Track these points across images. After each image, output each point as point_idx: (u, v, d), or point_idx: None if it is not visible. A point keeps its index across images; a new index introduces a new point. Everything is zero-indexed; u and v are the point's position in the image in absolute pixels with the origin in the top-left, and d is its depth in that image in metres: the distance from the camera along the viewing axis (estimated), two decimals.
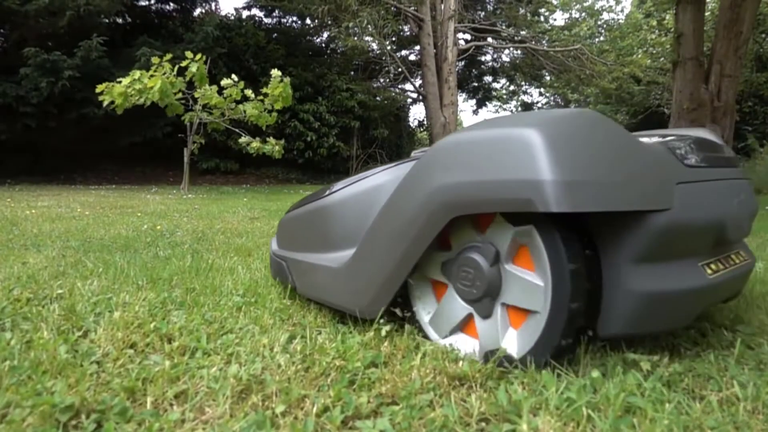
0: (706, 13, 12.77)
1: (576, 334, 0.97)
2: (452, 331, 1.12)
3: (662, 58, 17.43)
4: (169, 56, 6.92)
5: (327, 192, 1.41)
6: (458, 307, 1.11)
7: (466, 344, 1.09)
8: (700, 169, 1.07)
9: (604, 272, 0.98)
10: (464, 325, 1.11)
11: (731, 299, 1.31)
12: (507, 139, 0.94)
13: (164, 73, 6.79)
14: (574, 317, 0.93)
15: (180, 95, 7.15)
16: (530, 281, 0.98)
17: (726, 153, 1.26)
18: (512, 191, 0.91)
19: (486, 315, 1.06)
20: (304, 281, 1.42)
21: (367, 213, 1.23)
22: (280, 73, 7.52)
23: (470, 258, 1.05)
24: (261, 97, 7.69)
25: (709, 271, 1.05)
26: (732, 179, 1.17)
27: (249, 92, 7.57)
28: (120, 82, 6.82)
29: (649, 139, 1.08)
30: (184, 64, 7.08)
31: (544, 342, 0.95)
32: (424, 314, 1.18)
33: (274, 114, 7.86)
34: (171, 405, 0.85)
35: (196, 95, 7.24)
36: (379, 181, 1.25)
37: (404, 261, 1.10)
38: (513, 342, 1.01)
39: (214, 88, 7.35)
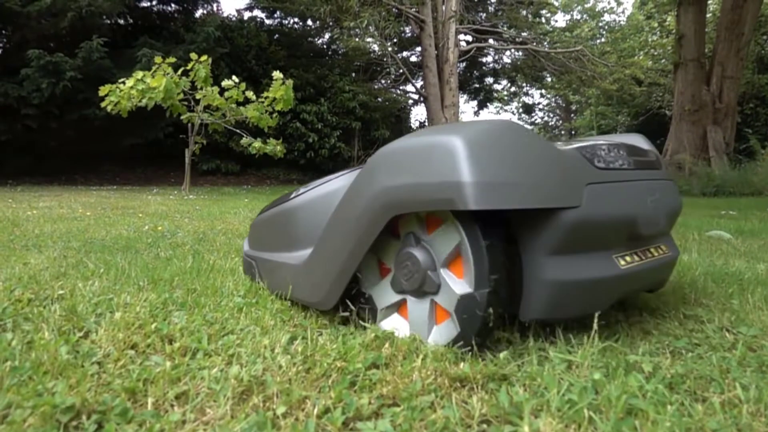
0: (708, 15, 12.76)
1: (490, 332, 1.07)
2: (389, 308, 1.25)
3: (663, 60, 17.43)
4: (172, 59, 6.92)
5: (292, 196, 1.54)
6: (391, 292, 1.23)
7: (398, 323, 1.22)
8: (611, 171, 1.18)
9: (524, 264, 1.09)
10: (399, 307, 1.24)
11: (655, 289, 1.43)
12: (434, 146, 1.06)
13: (167, 74, 6.78)
14: (488, 322, 1.02)
15: (182, 96, 7.15)
16: (456, 288, 1.08)
17: (649, 157, 1.38)
18: (438, 192, 1.02)
19: (416, 305, 1.18)
20: (271, 279, 1.55)
21: (324, 215, 1.34)
22: (281, 75, 7.52)
23: (411, 254, 1.16)
24: (262, 99, 7.69)
25: (622, 263, 1.16)
26: (647, 180, 1.28)
27: (250, 93, 7.57)
28: (123, 83, 6.82)
29: (565, 145, 1.18)
30: (189, 65, 7.08)
31: (458, 339, 1.07)
32: (368, 288, 1.29)
33: (276, 116, 7.87)
34: (172, 406, 0.85)
35: (198, 96, 7.24)
36: (335, 186, 1.37)
37: (352, 257, 1.21)
38: (438, 333, 1.13)
39: (216, 89, 7.36)
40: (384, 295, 1.25)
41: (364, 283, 1.28)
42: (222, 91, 7.50)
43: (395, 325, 1.22)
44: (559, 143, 1.21)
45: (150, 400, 0.85)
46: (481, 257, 1.02)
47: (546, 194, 1.03)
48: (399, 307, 1.23)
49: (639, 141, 1.48)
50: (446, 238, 1.11)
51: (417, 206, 1.09)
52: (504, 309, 1.09)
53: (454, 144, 1.02)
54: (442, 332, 1.11)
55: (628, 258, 1.19)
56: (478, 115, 22.72)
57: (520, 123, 1.10)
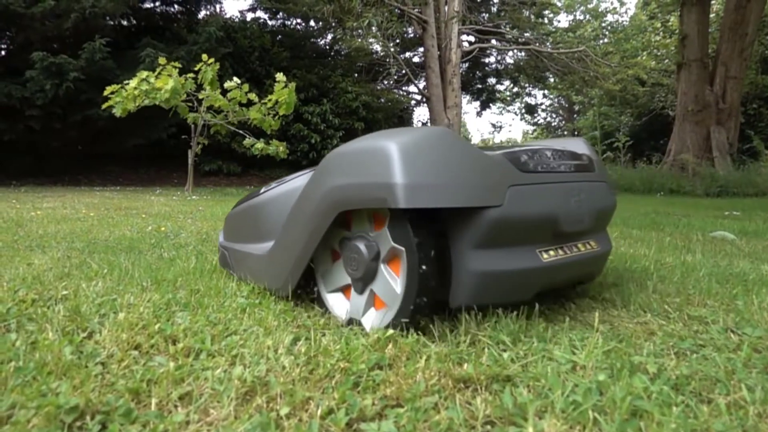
0: (711, 15, 12.73)
1: (427, 307, 1.19)
2: (335, 290, 1.39)
3: (667, 60, 17.39)
4: (177, 64, 6.92)
5: (262, 191, 1.69)
6: (342, 275, 1.36)
7: (341, 303, 1.37)
8: (534, 174, 1.29)
9: (453, 256, 1.21)
10: (345, 289, 1.38)
11: (586, 281, 1.57)
12: (373, 151, 1.18)
13: (170, 75, 6.79)
14: (421, 307, 1.17)
15: (185, 96, 7.17)
16: (393, 285, 1.21)
17: (581, 160, 1.49)
18: (375, 192, 1.15)
19: (359, 291, 1.31)
20: (240, 268, 1.70)
21: (286, 210, 1.47)
22: (284, 78, 7.51)
23: (358, 247, 1.28)
24: (265, 101, 7.69)
25: (545, 256, 1.28)
26: (572, 182, 1.38)
27: (253, 96, 7.57)
28: (128, 83, 6.82)
29: (494, 151, 1.29)
30: (197, 67, 7.08)
31: (390, 324, 1.20)
32: (335, 302, 1.41)
33: (279, 118, 7.87)
34: (175, 406, 0.85)
35: (201, 96, 7.25)
36: (297, 183, 1.49)
37: (307, 248, 1.35)
38: (370, 318, 1.27)
39: (218, 91, 7.36)
40: (333, 277, 1.40)
41: (317, 266, 1.43)
42: (225, 92, 7.51)
43: (339, 304, 1.37)
44: (489, 149, 1.34)
45: (154, 401, 0.86)
46: (412, 251, 1.15)
47: (470, 195, 1.14)
48: (345, 289, 1.38)
49: (577, 145, 1.62)
50: (389, 237, 1.22)
51: (358, 204, 1.21)
52: (435, 296, 1.20)
53: (389, 149, 1.14)
54: (378, 317, 1.25)
55: (552, 252, 1.31)
56: (480, 116, 22.66)
57: (452, 131, 1.23)
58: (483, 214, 1.16)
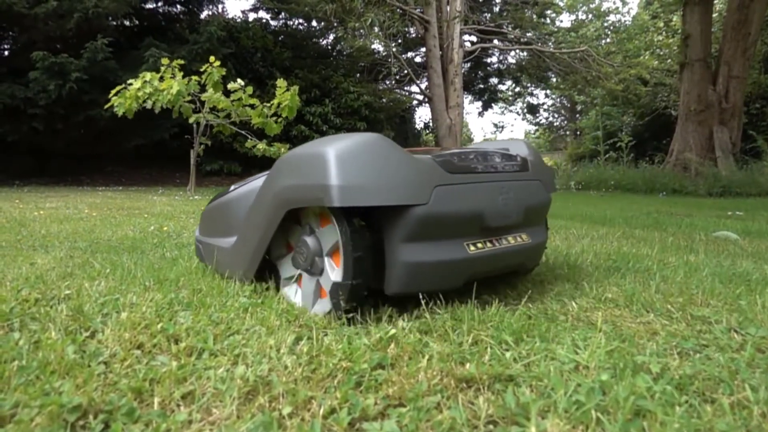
0: (714, 15, 12.69)
1: (361, 294, 1.32)
2: (290, 278, 1.55)
3: (669, 60, 17.34)
4: (181, 61, 6.92)
5: (230, 189, 1.84)
6: (289, 266, 1.54)
7: (295, 292, 1.52)
8: (462, 175, 1.41)
9: (386, 249, 1.34)
10: (298, 279, 1.53)
11: (522, 271, 1.74)
12: (313, 156, 1.32)
13: (173, 76, 6.79)
14: (357, 290, 1.29)
15: (189, 98, 7.17)
16: (332, 275, 1.36)
17: (514, 161, 1.61)
18: (314, 192, 1.29)
19: (308, 280, 1.46)
20: (210, 260, 1.86)
21: (247, 208, 1.63)
22: (285, 84, 7.49)
23: (306, 242, 1.44)
24: (268, 105, 7.68)
25: (472, 248, 1.41)
26: (500, 181, 1.49)
27: (255, 101, 7.55)
28: (131, 84, 6.83)
29: (425, 155, 1.41)
30: (203, 68, 7.09)
31: (332, 312, 1.33)
32: (290, 290, 1.56)
33: (281, 121, 7.87)
34: (178, 406, 0.85)
35: (204, 98, 7.26)
36: (257, 184, 1.61)
37: (262, 241, 1.51)
38: (318, 307, 1.40)
39: (221, 92, 7.36)
40: (287, 267, 1.55)
41: (273, 258, 1.59)
42: (227, 93, 7.51)
43: (292, 292, 1.52)
44: (421, 153, 1.44)
45: (156, 400, 0.86)
46: (347, 241, 1.29)
47: (398, 194, 1.27)
48: (297, 279, 1.53)
49: (518, 147, 1.75)
50: (332, 233, 1.36)
51: (302, 203, 1.36)
52: (371, 285, 1.35)
53: (327, 154, 1.28)
54: (323, 305, 1.38)
55: (479, 245, 1.43)
56: (482, 116, 22.69)
57: (385, 138, 1.34)
58: (410, 212, 1.29)
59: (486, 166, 1.51)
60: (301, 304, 1.44)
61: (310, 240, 1.43)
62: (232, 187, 1.84)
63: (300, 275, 1.51)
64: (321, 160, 1.29)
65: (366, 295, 1.35)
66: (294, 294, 1.52)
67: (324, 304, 1.38)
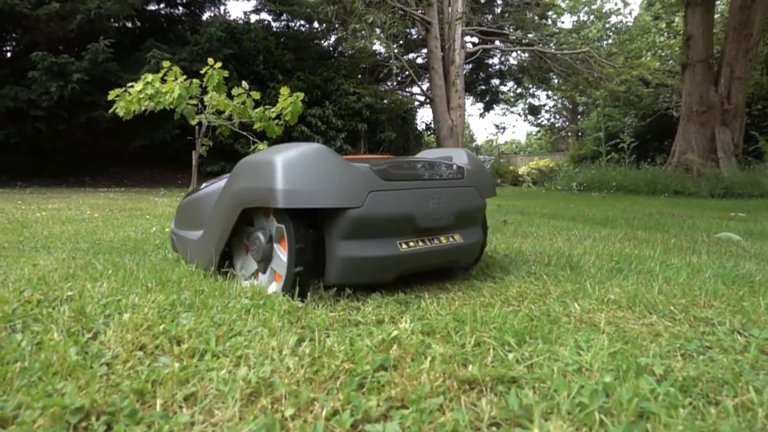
0: (716, 16, 12.67)
1: (303, 283, 1.51)
2: (251, 277, 1.73)
3: (671, 61, 17.32)
4: (177, 70, 6.93)
5: (202, 187, 2.03)
6: (252, 263, 1.72)
7: (255, 283, 1.67)
8: (396, 182, 1.58)
9: (326, 245, 1.53)
10: (256, 274, 1.71)
11: (458, 267, 1.91)
12: (264, 162, 1.52)
13: (176, 79, 6.80)
14: (299, 276, 1.49)
15: (194, 101, 7.18)
16: (283, 257, 1.54)
17: (449, 170, 1.79)
18: (263, 194, 1.49)
19: (263, 271, 1.65)
20: (183, 251, 2.07)
21: (212, 205, 1.83)
22: (288, 91, 7.50)
23: (257, 236, 1.63)
24: (269, 108, 7.69)
25: (404, 246, 1.58)
26: (432, 188, 1.67)
27: (260, 109, 7.55)
28: (132, 86, 6.84)
29: (363, 164, 1.57)
30: (203, 70, 7.10)
31: (284, 289, 1.52)
32: (238, 265, 1.81)
33: (282, 124, 7.88)
34: (180, 407, 0.85)
35: (206, 101, 7.27)
36: (222, 183, 1.81)
37: (223, 235, 1.72)
38: (273, 287, 1.60)
39: (224, 94, 7.36)
40: (247, 265, 1.76)
41: (235, 259, 1.81)
42: (230, 95, 7.51)
43: (253, 284, 1.67)
44: (360, 162, 1.61)
45: (159, 402, 0.86)
46: (290, 238, 1.49)
47: (335, 198, 1.45)
48: (255, 274, 1.72)
49: (457, 156, 1.96)
50: (273, 219, 1.58)
51: (254, 203, 1.55)
52: (313, 275, 1.56)
53: (274, 162, 1.47)
54: (277, 287, 1.58)
55: (411, 243, 1.61)
56: (483, 117, 22.75)
57: (327, 149, 1.53)
58: (346, 213, 1.48)
59: (419, 174, 1.69)
60: (275, 289, 1.61)
61: (260, 234, 1.63)
62: (203, 185, 2.04)
63: (256, 271, 1.71)
64: (269, 167, 1.49)
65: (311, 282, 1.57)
66: (249, 277, 1.75)
67: (277, 287, 1.58)
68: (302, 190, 1.44)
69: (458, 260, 1.82)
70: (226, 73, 7.18)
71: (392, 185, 1.57)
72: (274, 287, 1.60)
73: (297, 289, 1.49)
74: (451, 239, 1.73)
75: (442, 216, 1.68)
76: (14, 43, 11.28)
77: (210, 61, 7.03)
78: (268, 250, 1.61)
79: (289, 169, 1.46)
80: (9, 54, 11.30)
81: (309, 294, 1.53)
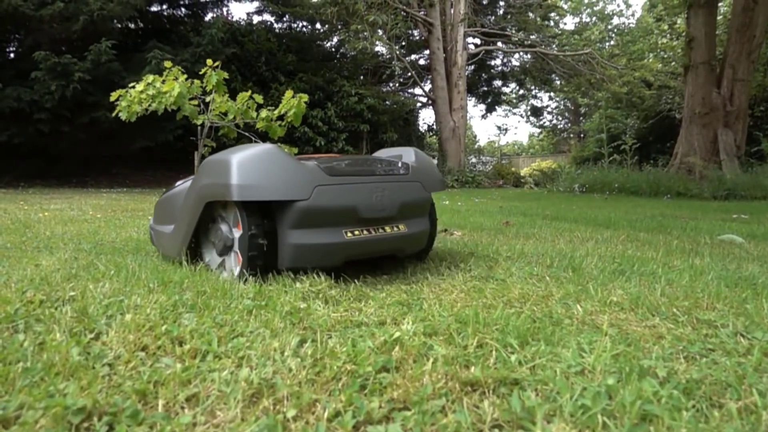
0: (718, 17, 12.65)
1: (258, 265, 1.72)
2: (219, 267, 1.91)
3: (674, 63, 17.31)
4: (179, 70, 6.95)
5: (176, 184, 2.21)
6: (216, 257, 1.93)
7: (221, 273, 1.85)
8: (341, 177, 1.76)
9: (278, 234, 1.72)
10: (224, 263, 1.89)
11: (399, 254, 2.02)
12: (222, 161, 1.74)
13: (176, 78, 6.81)
14: (254, 259, 1.70)
15: (196, 102, 7.19)
16: (237, 235, 1.77)
17: (393, 166, 1.97)
18: (220, 189, 1.70)
19: (229, 258, 1.85)
20: (159, 243, 2.27)
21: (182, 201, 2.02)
22: (291, 93, 7.53)
23: (219, 227, 1.87)
24: (272, 109, 7.70)
25: (348, 235, 1.75)
26: (375, 183, 1.83)
27: (263, 113, 7.56)
28: (133, 87, 6.86)
29: (311, 162, 1.77)
30: (203, 71, 7.12)
31: (244, 270, 1.72)
32: (207, 258, 2.00)
33: (285, 125, 7.89)
34: (182, 408, 0.85)
35: (207, 100, 7.27)
36: (191, 182, 2.00)
37: (189, 228, 1.91)
38: (236, 268, 1.79)
39: (226, 95, 7.37)
40: (214, 257, 1.95)
41: (204, 253, 2.02)
42: (233, 95, 7.52)
43: (223, 275, 1.83)
44: (309, 161, 1.80)
45: (161, 402, 0.85)
46: (245, 226, 1.69)
47: (284, 191, 1.65)
48: (222, 264, 1.89)
49: (406, 155, 2.13)
50: (234, 213, 1.79)
51: (214, 197, 1.76)
52: (267, 261, 1.73)
53: (230, 161, 1.69)
54: (240, 268, 1.76)
55: (356, 232, 1.77)
56: (486, 118, 22.78)
57: (278, 149, 1.74)
58: (294, 205, 1.66)
59: (364, 170, 1.87)
60: (229, 275, 1.80)
61: (222, 226, 1.86)
62: (177, 183, 2.22)
63: (223, 261, 1.90)
64: (226, 165, 1.69)
65: (265, 267, 1.75)
66: (217, 267, 1.94)
67: (239, 268, 1.77)
68: (254, 185, 1.64)
69: (404, 248, 1.97)
70: (225, 74, 7.19)
71: (337, 180, 1.75)
72: (237, 269, 1.78)
73: (256, 270, 1.72)
74: (396, 229, 1.89)
75: (386, 207, 1.84)
76: (17, 44, 11.31)
77: (209, 62, 7.04)
78: (229, 239, 1.82)
79: (242, 166, 1.66)
80: (12, 55, 11.32)
81: (268, 276, 1.75)
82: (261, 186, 1.64)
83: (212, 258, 1.97)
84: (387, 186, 1.86)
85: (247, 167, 1.66)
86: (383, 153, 2.27)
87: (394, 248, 1.94)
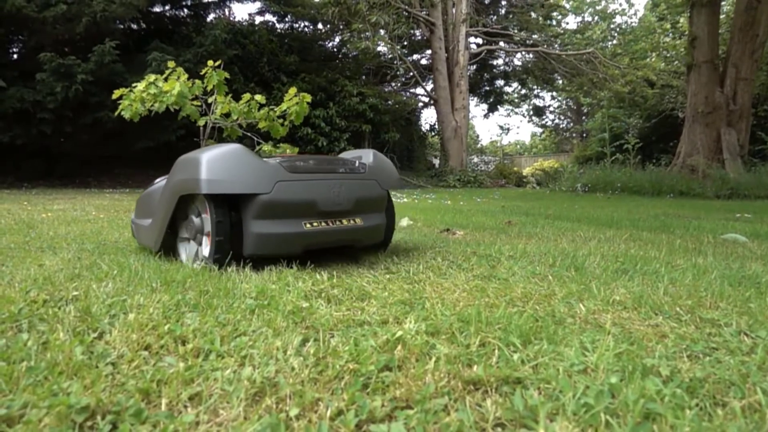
0: (721, 16, 12.62)
1: (226, 251, 1.91)
2: (194, 256, 2.07)
3: (676, 62, 17.26)
4: (181, 70, 6.97)
5: (155, 182, 2.39)
6: (192, 246, 2.11)
7: (193, 261, 2.03)
8: (300, 173, 1.95)
9: (243, 224, 1.91)
10: (197, 254, 2.06)
11: (357, 245, 2.22)
12: (193, 159, 1.94)
13: (178, 78, 6.82)
14: (221, 244, 1.89)
15: (198, 103, 7.19)
16: (206, 226, 1.98)
17: (352, 165, 2.15)
18: (191, 184, 1.90)
19: (200, 243, 2.05)
20: (138, 235, 2.46)
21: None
22: (294, 91, 7.54)
23: (191, 218, 2.07)
24: (274, 108, 7.71)
25: (307, 226, 1.94)
26: (333, 180, 2.02)
27: (263, 111, 7.57)
28: (135, 86, 6.87)
29: (274, 160, 1.95)
30: (203, 71, 7.12)
31: (214, 253, 1.91)
32: (182, 251, 2.18)
33: (287, 124, 7.89)
34: (185, 407, 0.85)
35: (210, 100, 7.28)
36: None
37: (165, 220, 2.11)
38: (207, 249, 1.97)
39: (229, 97, 7.38)
40: (188, 249, 2.14)
41: (180, 248, 2.19)
42: (235, 96, 7.53)
43: (192, 262, 2.02)
44: (271, 159, 1.99)
45: (164, 401, 0.86)
46: (212, 215, 1.89)
47: (247, 186, 1.84)
48: (197, 253, 2.07)
49: (365, 155, 2.31)
50: (203, 203, 1.97)
51: (186, 191, 1.96)
52: (232, 248, 1.92)
53: (200, 158, 1.89)
54: (209, 249, 1.93)
55: (315, 224, 1.96)
56: (488, 118, 22.78)
57: (243, 148, 1.92)
58: (257, 198, 1.85)
59: (323, 168, 2.05)
60: (204, 260, 1.98)
61: (194, 218, 2.05)
62: (155, 181, 2.40)
63: (197, 252, 2.08)
64: (196, 162, 1.89)
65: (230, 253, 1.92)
66: (193, 261, 2.08)
67: (209, 249, 1.95)
68: (221, 180, 1.83)
69: (361, 239, 2.17)
70: (226, 74, 7.19)
71: (297, 177, 1.93)
72: (207, 249, 1.97)
73: (221, 255, 1.91)
74: (352, 222, 2.08)
75: (342, 202, 2.03)
76: (21, 45, 11.34)
77: (210, 62, 7.05)
78: (200, 226, 2.02)
79: (211, 164, 1.86)
80: (15, 56, 11.36)
81: (233, 263, 1.91)
82: (227, 180, 1.83)
83: (189, 251, 2.13)
84: (344, 183, 2.05)
85: (215, 164, 1.86)
86: (347, 155, 2.41)
87: (351, 239, 2.13)
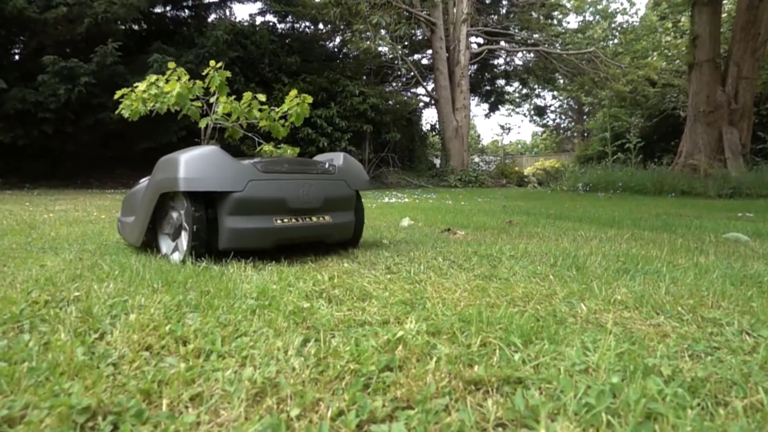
0: (723, 15, 12.59)
1: (202, 246, 2.07)
2: (172, 251, 2.22)
3: (678, 61, 17.24)
4: (182, 71, 7.00)
5: (140, 181, 2.51)
6: (170, 242, 2.25)
7: (176, 256, 2.17)
8: (271, 173, 2.10)
9: (218, 219, 2.05)
10: (176, 246, 2.22)
11: (327, 240, 2.36)
12: (172, 159, 2.09)
13: (178, 78, 6.82)
14: (197, 233, 2.03)
15: (199, 103, 7.20)
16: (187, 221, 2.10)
17: (321, 166, 2.31)
18: (170, 182, 2.04)
19: (182, 238, 2.14)
20: (123, 232, 2.60)
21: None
22: (295, 92, 7.55)
23: (170, 215, 2.21)
24: (275, 109, 7.72)
25: (278, 222, 2.09)
26: (302, 180, 2.17)
27: (264, 110, 7.58)
28: (137, 86, 6.88)
29: (247, 161, 2.11)
30: (205, 71, 7.13)
31: (191, 241, 2.05)
32: (163, 246, 2.31)
33: (288, 125, 7.90)
34: (186, 407, 0.85)
35: (211, 100, 7.29)
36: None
37: (146, 217, 2.24)
38: (185, 241, 2.10)
39: (232, 98, 7.38)
40: (168, 243, 2.27)
41: (161, 243, 2.32)
42: (237, 96, 7.54)
43: (175, 257, 2.18)
44: (246, 159, 2.14)
45: (165, 402, 0.86)
46: (189, 210, 2.04)
47: (221, 184, 1.99)
48: (176, 247, 2.21)
49: (336, 158, 2.46)
50: (181, 200, 2.12)
51: (166, 189, 2.10)
52: (208, 242, 2.07)
53: (179, 159, 2.04)
54: (188, 240, 2.07)
55: (285, 220, 2.11)
56: (489, 117, 22.81)
57: (219, 150, 2.06)
58: (231, 196, 2.00)
59: (293, 169, 2.19)
60: (183, 253, 2.10)
61: (174, 213, 2.19)
62: (140, 181, 2.52)
63: (176, 247, 2.21)
64: (175, 162, 2.04)
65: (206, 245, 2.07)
66: (172, 252, 2.23)
67: (188, 240, 2.07)
68: (197, 178, 1.98)
69: (331, 235, 2.33)
70: (228, 74, 7.19)
71: (268, 176, 2.08)
72: (186, 242, 2.10)
73: (198, 243, 2.05)
74: (322, 219, 2.23)
75: (311, 200, 2.18)
76: (22, 47, 11.35)
77: (212, 63, 7.05)
78: (178, 222, 2.16)
79: (188, 163, 2.01)
80: (17, 57, 11.37)
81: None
82: (203, 179, 1.98)
83: (168, 246, 2.27)
84: (313, 183, 2.20)
85: (192, 164, 2.01)
86: (320, 157, 2.57)
87: (321, 235, 2.28)
